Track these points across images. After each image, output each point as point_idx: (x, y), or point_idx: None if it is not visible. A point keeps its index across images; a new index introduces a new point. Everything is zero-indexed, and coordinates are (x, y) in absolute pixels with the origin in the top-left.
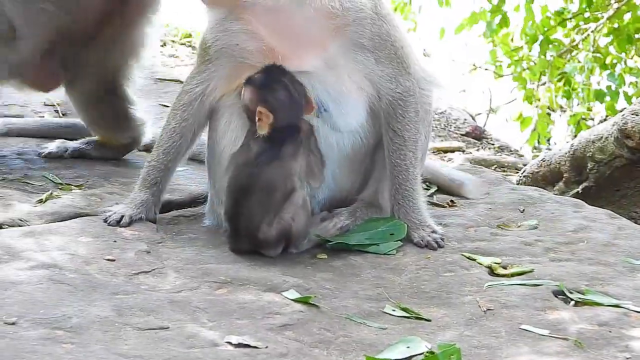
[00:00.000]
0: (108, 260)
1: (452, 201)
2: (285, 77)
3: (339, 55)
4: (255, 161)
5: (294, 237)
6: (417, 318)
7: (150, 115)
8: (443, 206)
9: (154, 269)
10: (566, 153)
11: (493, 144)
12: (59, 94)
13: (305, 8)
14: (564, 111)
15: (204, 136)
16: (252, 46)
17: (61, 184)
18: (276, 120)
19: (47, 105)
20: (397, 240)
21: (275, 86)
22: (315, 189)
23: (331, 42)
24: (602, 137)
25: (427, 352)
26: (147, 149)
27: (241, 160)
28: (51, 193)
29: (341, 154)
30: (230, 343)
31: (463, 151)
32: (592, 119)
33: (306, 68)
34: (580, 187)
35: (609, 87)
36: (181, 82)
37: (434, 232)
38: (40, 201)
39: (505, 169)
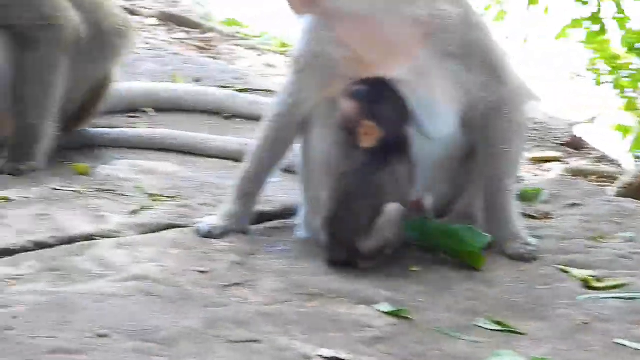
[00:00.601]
0: (199, 272)
1: (545, 213)
2: (389, 89)
3: (429, 63)
4: (362, 169)
5: (389, 247)
6: (510, 332)
7: None
8: (536, 218)
9: (245, 281)
10: None
11: (592, 154)
12: None
13: (392, 16)
14: None
15: (297, 147)
16: (341, 55)
17: (154, 194)
18: (383, 134)
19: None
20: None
21: (380, 100)
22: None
23: (420, 50)
24: None
25: None
26: None
27: (345, 169)
28: (144, 204)
29: (434, 163)
30: (321, 356)
31: (560, 161)
32: None
33: (395, 77)
34: None
35: None
36: (274, 92)
37: (527, 244)
38: (133, 212)
39: (604, 179)
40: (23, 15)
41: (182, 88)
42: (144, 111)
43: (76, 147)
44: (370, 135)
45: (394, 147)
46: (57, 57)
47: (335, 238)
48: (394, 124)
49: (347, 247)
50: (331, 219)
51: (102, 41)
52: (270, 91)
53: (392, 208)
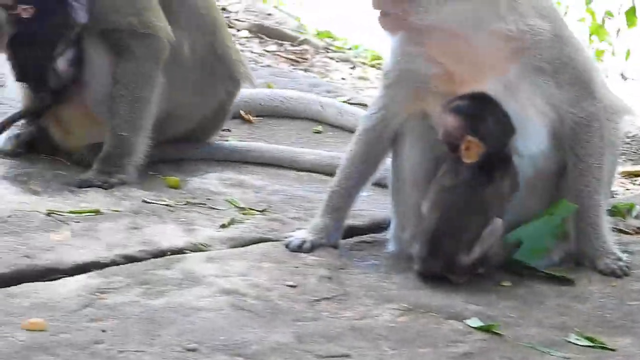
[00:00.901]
0: (289, 286)
1: (637, 228)
2: (491, 104)
3: (518, 79)
4: (468, 184)
5: (487, 263)
6: (602, 347)
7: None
8: (629, 233)
9: (335, 296)
10: None
11: None
12: None
13: (481, 31)
14: None
15: (388, 160)
16: (431, 70)
17: (244, 208)
18: (487, 149)
19: None
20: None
21: (485, 115)
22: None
23: (509, 66)
24: None
25: None
26: None
27: (449, 183)
28: (234, 218)
29: (525, 178)
30: None
31: None
32: None
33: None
34: None
35: None
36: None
37: (618, 259)
38: (223, 226)
39: None
40: (122, 20)
41: (281, 93)
42: (242, 117)
43: (167, 160)
44: (473, 151)
45: (498, 162)
46: (152, 71)
47: (433, 251)
48: (497, 139)
49: (445, 260)
50: (432, 232)
51: (219, 66)
52: (363, 105)
53: (497, 223)
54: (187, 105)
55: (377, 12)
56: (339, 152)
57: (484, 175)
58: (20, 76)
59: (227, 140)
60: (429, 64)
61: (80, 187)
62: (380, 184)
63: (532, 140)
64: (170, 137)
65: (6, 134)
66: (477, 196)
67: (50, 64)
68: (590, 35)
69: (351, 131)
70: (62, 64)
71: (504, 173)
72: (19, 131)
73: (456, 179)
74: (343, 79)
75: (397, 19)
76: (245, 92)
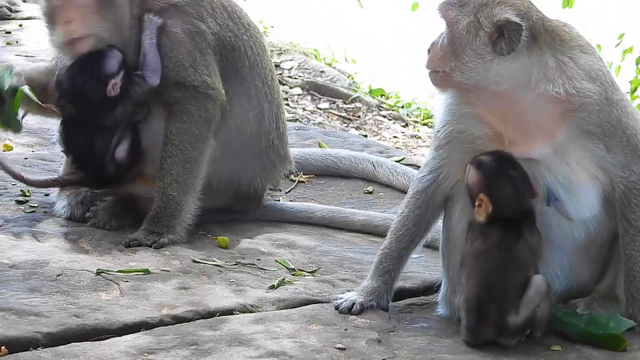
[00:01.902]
0: (338, 349)
1: None
2: (512, 168)
3: (567, 142)
4: (498, 246)
5: (538, 323)
6: None
7: None
8: None
9: (385, 359)
10: None
11: None
12: None
13: (530, 93)
14: None
15: (439, 223)
16: (480, 132)
17: (294, 269)
18: (494, 211)
19: None
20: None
21: (501, 178)
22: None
23: (558, 129)
24: None
25: None
26: None
27: (481, 249)
28: (283, 279)
29: (576, 243)
30: None
31: None
32: None
33: (534, 155)
34: None
35: None
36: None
37: None
38: (273, 287)
39: None
40: (186, 77)
41: (334, 153)
42: (292, 179)
43: (218, 220)
44: (483, 209)
45: (523, 217)
46: (205, 132)
47: (480, 319)
48: (508, 203)
49: (494, 325)
50: (475, 300)
51: (277, 140)
52: (415, 165)
53: (539, 281)
54: (244, 173)
55: (429, 70)
56: (390, 213)
57: (512, 234)
58: (77, 164)
59: (277, 200)
60: (479, 125)
61: (129, 246)
62: (431, 246)
63: (583, 205)
64: (222, 205)
65: (66, 201)
66: (510, 256)
67: (107, 154)
68: None
69: (402, 191)
70: (120, 153)
71: (532, 226)
72: (80, 197)
73: (487, 243)
74: (395, 137)
75: (446, 77)
76: (296, 152)
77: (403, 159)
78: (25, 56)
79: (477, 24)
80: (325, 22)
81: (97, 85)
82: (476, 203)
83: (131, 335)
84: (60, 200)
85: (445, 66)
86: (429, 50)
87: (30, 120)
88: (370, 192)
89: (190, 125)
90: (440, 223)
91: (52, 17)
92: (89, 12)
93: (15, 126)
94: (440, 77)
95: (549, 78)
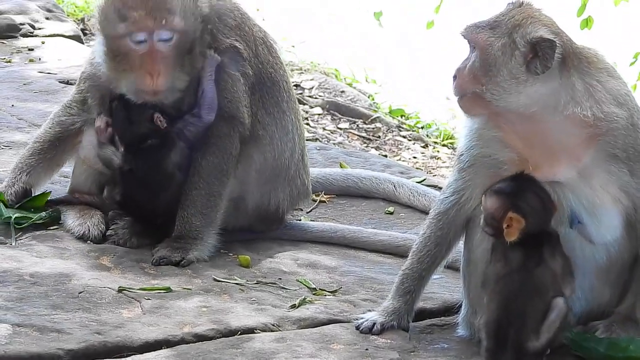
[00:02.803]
0: None
1: None
2: (533, 183)
3: (593, 165)
4: (519, 270)
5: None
6: None
7: None
8: None
9: None
10: None
11: None
12: None
13: (556, 116)
14: None
15: (460, 244)
16: (505, 156)
17: (315, 289)
18: (528, 225)
19: None
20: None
21: (525, 193)
22: (569, 298)
23: (584, 152)
24: None
25: None
26: None
27: (502, 272)
28: (305, 298)
29: (597, 266)
30: None
31: None
32: None
33: (558, 178)
34: None
35: None
36: (440, 188)
37: None
38: (294, 306)
39: None
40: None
41: (355, 173)
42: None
43: (240, 239)
44: (514, 227)
45: (545, 241)
46: (230, 168)
47: (500, 343)
48: (537, 214)
49: (514, 350)
50: (496, 323)
51: (303, 172)
52: (436, 186)
53: (560, 304)
54: (274, 196)
55: (456, 96)
56: (411, 233)
57: (533, 257)
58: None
59: (299, 220)
60: (504, 149)
61: (158, 264)
62: (451, 267)
63: (605, 228)
64: (246, 224)
65: (81, 220)
66: (531, 280)
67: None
68: None
69: (423, 212)
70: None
71: (553, 250)
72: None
73: (508, 267)
74: (414, 157)
75: (475, 100)
76: (317, 171)
77: (424, 180)
78: (48, 73)
79: (512, 44)
80: (345, 42)
81: (143, 122)
82: (504, 225)
83: (153, 353)
84: (71, 217)
85: (477, 88)
86: (455, 77)
87: None
88: (391, 213)
89: (221, 161)
90: (461, 244)
91: (128, 59)
92: (172, 65)
93: None
94: (471, 100)
95: (577, 101)
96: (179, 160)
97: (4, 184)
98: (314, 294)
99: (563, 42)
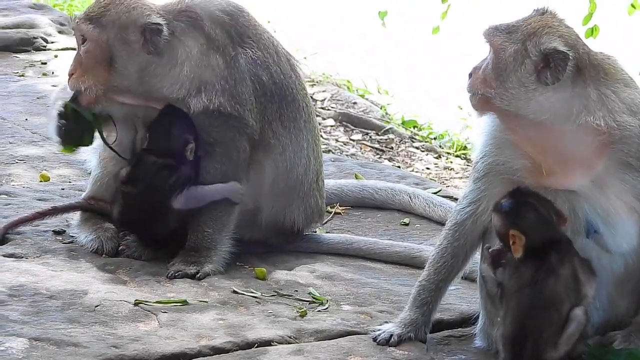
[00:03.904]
0: None
1: None
2: (530, 197)
3: (606, 174)
4: (531, 282)
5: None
6: None
7: None
8: None
9: None
10: None
11: None
12: None
13: (569, 125)
14: None
15: (477, 255)
16: (519, 164)
17: (331, 300)
18: (528, 240)
19: None
20: None
21: (522, 208)
22: (590, 302)
23: (597, 161)
24: None
25: None
26: None
27: (516, 285)
28: (321, 310)
29: (615, 276)
30: None
31: None
32: None
33: (572, 186)
34: None
35: None
36: (455, 199)
37: None
38: (310, 318)
39: None
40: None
41: (371, 184)
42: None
43: (256, 252)
44: (518, 244)
45: (552, 250)
46: (242, 174)
47: (518, 356)
48: (536, 228)
49: None
50: (513, 337)
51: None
52: (451, 197)
53: (578, 315)
54: (289, 211)
55: (468, 93)
56: (427, 244)
57: (543, 269)
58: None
59: (314, 232)
60: (518, 157)
61: (174, 277)
62: (468, 278)
63: (621, 237)
64: (262, 237)
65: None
66: (544, 293)
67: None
68: None
69: (439, 223)
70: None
71: (563, 258)
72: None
73: (520, 281)
74: (427, 168)
75: (484, 102)
76: (333, 183)
77: (439, 190)
78: (62, 88)
79: (524, 51)
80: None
81: (177, 141)
82: (510, 242)
83: None
84: (85, 232)
85: (486, 91)
86: (470, 74)
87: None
88: (407, 224)
89: (229, 167)
90: (477, 255)
91: None
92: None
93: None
94: (480, 100)
95: (590, 110)
96: (179, 191)
97: None
98: (330, 306)
99: (579, 53)
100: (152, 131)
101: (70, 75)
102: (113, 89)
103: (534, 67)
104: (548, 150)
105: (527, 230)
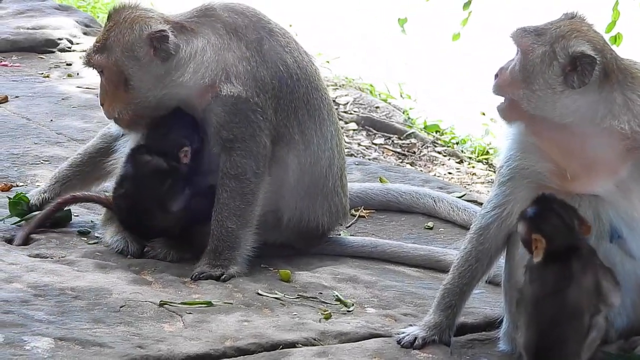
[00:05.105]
0: None
1: None
2: (554, 203)
3: (631, 179)
4: (553, 290)
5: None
6: None
7: None
8: None
9: None
10: None
11: None
12: None
13: (593, 128)
14: None
15: (501, 259)
16: (544, 168)
17: (355, 303)
18: (550, 244)
19: None
20: None
21: (545, 213)
22: (612, 309)
23: (622, 165)
24: None
25: None
26: None
27: (538, 292)
28: (346, 313)
29: (638, 281)
30: None
31: None
32: None
33: (596, 191)
34: None
35: None
36: (480, 203)
37: None
38: (334, 320)
39: None
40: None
41: (395, 188)
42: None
43: (280, 254)
44: (539, 248)
45: (574, 258)
46: (262, 168)
47: None
48: (561, 233)
49: None
50: (535, 347)
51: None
52: (476, 202)
53: (600, 321)
54: (312, 212)
55: (496, 100)
56: (451, 248)
57: (564, 275)
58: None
59: (338, 235)
60: (542, 160)
61: (198, 279)
62: (492, 282)
63: None
64: (286, 240)
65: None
66: (566, 302)
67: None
68: None
69: (463, 227)
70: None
71: (584, 266)
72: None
73: (543, 288)
74: (450, 173)
75: (511, 107)
76: (357, 186)
77: (464, 195)
78: (86, 88)
79: (552, 54)
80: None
81: (174, 141)
82: (533, 247)
83: None
84: (110, 232)
85: (513, 93)
86: (496, 75)
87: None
88: (431, 228)
89: (249, 161)
90: (502, 259)
91: None
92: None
93: None
94: (508, 107)
95: (615, 114)
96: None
97: (37, 189)
98: (354, 309)
99: (606, 58)
100: (151, 130)
101: (102, 105)
102: (139, 105)
103: (562, 69)
104: (572, 154)
105: (549, 233)
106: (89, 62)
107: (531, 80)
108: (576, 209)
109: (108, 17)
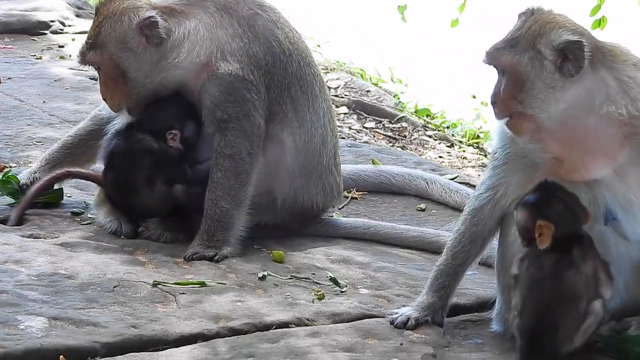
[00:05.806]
0: None
1: None
2: (558, 190)
3: (628, 164)
4: (552, 274)
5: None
6: None
7: None
8: None
9: None
10: None
11: None
12: None
13: (592, 114)
14: None
15: (494, 240)
16: (539, 153)
17: (349, 284)
18: (557, 230)
19: None
20: None
21: (551, 199)
22: (608, 300)
23: (620, 151)
24: None
25: None
26: None
27: (536, 275)
28: (339, 293)
29: (632, 263)
30: None
31: None
32: None
33: (594, 176)
34: None
35: None
36: (472, 186)
37: None
38: (328, 301)
39: None
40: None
41: (388, 170)
42: (345, 196)
43: (271, 235)
44: (545, 234)
45: (575, 244)
46: (255, 147)
47: (535, 348)
48: (565, 218)
49: (549, 354)
50: (530, 329)
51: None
52: (468, 184)
53: (597, 307)
54: (307, 191)
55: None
56: (443, 230)
57: (564, 261)
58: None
59: (331, 216)
60: (538, 149)
61: (192, 260)
62: (485, 264)
63: None
64: (280, 221)
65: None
66: (564, 286)
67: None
68: None
69: (455, 209)
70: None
71: (585, 254)
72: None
73: (541, 272)
74: (440, 157)
75: (520, 119)
76: (350, 168)
77: (456, 177)
78: (79, 70)
79: (538, 55)
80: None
81: (165, 122)
82: (536, 234)
83: (188, 346)
84: (104, 212)
85: (517, 107)
86: (494, 103)
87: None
88: (423, 210)
89: (243, 140)
90: (495, 241)
91: None
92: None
93: None
94: (518, 121)
95: (612, 100)
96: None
97: (28, 169)
98: (348, 290)
99: (589, 39)
100: (145, 109)
101: (104, 100)
102: (139, 93)
103: (554, 65)
104: (572, 145)
105: (556, 219)
106: (84, 61)
107: (530, 87)
108: (577, 196)
109: (96, 11)
